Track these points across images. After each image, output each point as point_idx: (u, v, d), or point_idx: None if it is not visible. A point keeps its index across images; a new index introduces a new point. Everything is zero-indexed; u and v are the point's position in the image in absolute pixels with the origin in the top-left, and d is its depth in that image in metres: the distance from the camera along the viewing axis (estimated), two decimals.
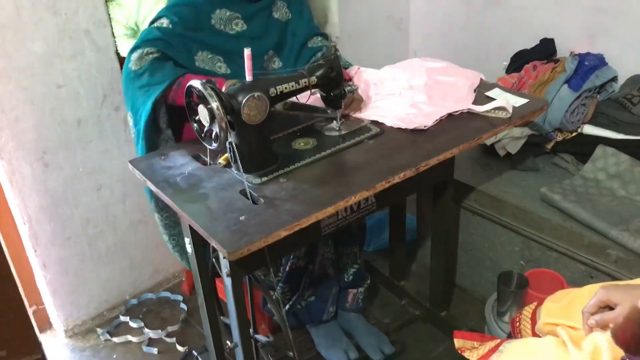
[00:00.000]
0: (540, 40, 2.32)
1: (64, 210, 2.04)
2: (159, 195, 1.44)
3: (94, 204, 2.12)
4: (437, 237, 1.98)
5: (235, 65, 1.70)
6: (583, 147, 2.06)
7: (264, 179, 1.43)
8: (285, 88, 1.44)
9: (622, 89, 2.12)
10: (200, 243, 1.54)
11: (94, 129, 2.02)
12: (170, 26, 1.65)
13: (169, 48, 1.63)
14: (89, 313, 2.25)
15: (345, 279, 2.00)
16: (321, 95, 1.58)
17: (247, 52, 1.37)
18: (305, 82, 1.47)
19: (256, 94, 1.36)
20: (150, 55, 1.60)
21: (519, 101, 1.71)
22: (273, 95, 1.42)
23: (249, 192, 1.36)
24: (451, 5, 2.66)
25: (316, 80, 1.49)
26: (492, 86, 1.82)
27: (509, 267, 2.02)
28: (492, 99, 1.71)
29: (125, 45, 2.17)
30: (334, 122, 1.63)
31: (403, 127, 1.59)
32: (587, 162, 2.01)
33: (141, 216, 2.26)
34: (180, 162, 1.53)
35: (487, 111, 1.64)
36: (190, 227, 1.46)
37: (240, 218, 1.29)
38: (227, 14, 1.72)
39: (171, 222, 1.80)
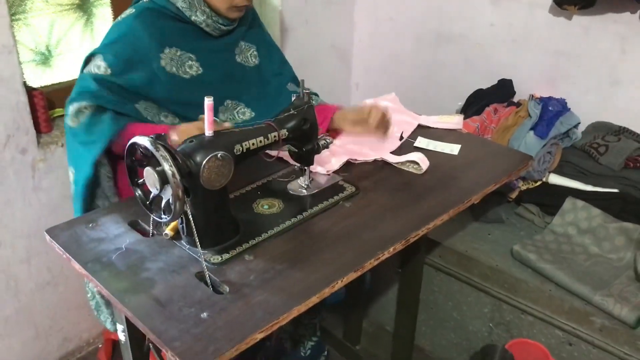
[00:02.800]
0: (499, 81, 2.20)
1: None
2: (88, 278, 1.12)
3: None
4: (404, 300, 1.79)
5: (191, 114, 1.40)
6: (549, 198, 1.95)
7: (226, 256, 1.15)
8: (253, 144, 1.18)
9: (584, 136, 2.03)
10: (136, 332, 1.23)
11: None
12: (109, 71, 1.36)
13: (108, 102, 1.35)
14: None
15: (302, 354, 1.75)
16: (290, 151, 1.32)
17: (207, 101, 1.09)
18: (275, 137, 1.22)
19: (219, 153, 1.09)
20: (87, 110, 1.33)
21: (454, 148, 1.58)
22: (238, 153, 1.15)
23: (209, 276, 1.08)
24: (398, 39, 2.50)
25: (287, 133, 1.24)
26: (426, 132, 1.67)
27: (476, 329, 1.86)
28: (417, 148, 1.57)
29: (34, 73, 1.82)
30: (301, 177, 1.38)
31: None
32: (555, 215, 1.88)
33: (49, 277, 1.89)
34: (114, 233, 1.22)
35: (400, 163, 1.50)
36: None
37: (202, 315, 1.01)
38: (179, 53, 1.43)
39: None
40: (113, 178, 1.44)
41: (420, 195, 1.38)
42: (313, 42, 2.48)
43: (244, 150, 1.16)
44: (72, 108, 1.36)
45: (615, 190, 1.86)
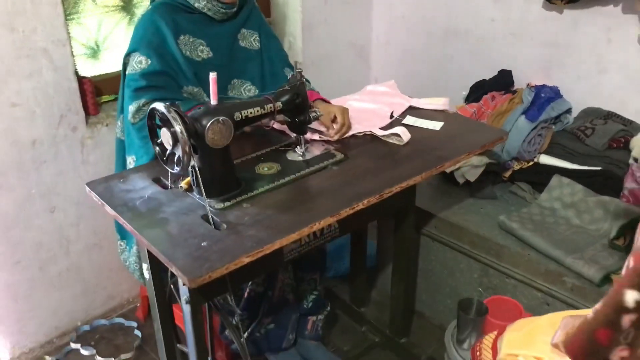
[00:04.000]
0: (499, 72, 2.38)
1: (14, 233, 1.96)
2: (117, 219, 1.40)
3: (47, 227, 2.04)
4: (398, 264, 1.99)
5: (204, 91, 1.69)
6: (539, 176, 2.11)
7: (227, 204, 1.40)
8: (250, 113, 1.43)
9: (575, 120, 2.20)
10: (158, 269, 1.50)
11: (49, 150, 1.96)
12: (150, 61, 1.63)
13: (160, 93, 1.62)
14: (38, 340, 2.15)
15: (305, 306, 1.98)
16: (286, 121, 1.57)
17: (212, 76, 1.36)
18: (270, 107, 1.47)
19: (221, 118, 1.34)
20: (146, 106, 1.60)
21: (437, 125, 1.81)
22: (238, 119, 1.41)
23: (211, 217, 1.34)
24: (412, 35, 2.71)
25: (281, 105, 1.49)
26: (417, 113, 1.89)
27: (468, 294, 2.03)
28: (404, 125, 1.79)
29: (84, 64, 2.13)
30: (298, 147, 1.63)
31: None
32: (543, 191, 2.05)
33: (96, 240, 2.19)
34: (140, 186, 1.49)
35: (385, 136, 1.72)
36: (149, 253, 1.42)
37: (202, 244, 1.26)
38: (191, 39, 1.71)
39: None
40: None
41: (399, 161, 1.60)
42: (332, 39, 2.72)
43: (243, 118, 1.42)
44: (131, 108, 1.63)
45: (599, 168, 2.02)
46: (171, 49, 1.66)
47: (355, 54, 2.87)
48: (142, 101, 1.62)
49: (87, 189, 1.50)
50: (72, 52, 1.93)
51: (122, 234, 1.78)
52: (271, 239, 1.28)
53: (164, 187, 1.49)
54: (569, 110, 2.21)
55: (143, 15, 1.72)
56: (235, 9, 1.77)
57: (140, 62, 1.64)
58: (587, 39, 2.14)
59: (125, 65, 1.69)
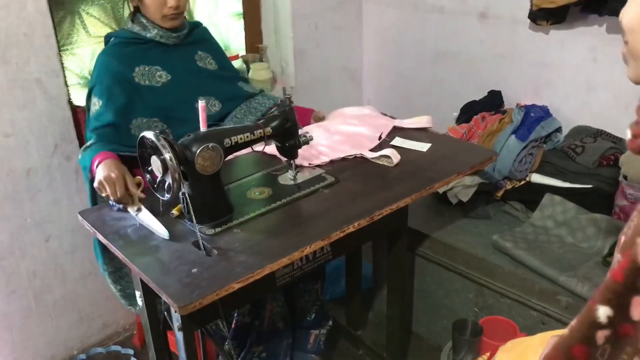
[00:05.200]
0: (489, 92, 2.41)
1: (9, 262, 1.97)
2: (109, 247, 1.40)
3: (42, 255, 2.05)
4: (392, 285, 1.99)
5: (174, 114, 1.76)
6: (531, 195, 2.12)
7: (218, 229, 1.41)
8: (240, 139, 1.45)
9: (566, 139, 2.21)
10: (151, 296, 1.51)
11: (44, 179, 1.97)
12: (101, 102, 1.70)
13: (104, 137, 1.67)
14: None
15: (308, 318, 1.97)
16: (276, 146, 1.59)
17: (201, 103, 1.38)
18: (260, 133, 1.49)
19: (210, 144, 1.36)
20: (91, 147, 1.65)
21: (425, 146, 1.82)
22: (227, 145, 1.42)
23: (202, 243, 1.35)
24: (402, 58, 2.75)
25: (271, 131, 1.51)
26: (405, 134, 1.92)
27: (464, 314, 2.03)
28: (393, 146, 1.82)
29: (78, 94, 2.16)
30: (289, 171, 1.64)
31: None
32: (535, 210, 2.06)
33: (91, 268, 2.19)
34: (132, 214, 1.50)
35: (375, 158, 1.75)
36: (141, 280, 1.43)
37: (193, 270, 1.27)
38: (147, 68, 1.77)
39: (119, 274, 1.80)
40: None
41: (390, 183, 1.61)
42: (324, 64, 2.75)
43: (233, 144, 1.43)
44: (85, 145, 1.70)
45: (590, 186, 2.03)
46: (128, 83, 1.73)
47: (347, 78, 2.90)
48: (90, 142, 1.68)
49: (80, 217, 1.51)
50: (65, 82, 1.96)
51: (96, 254, 1.81)
52: (261, 263, 1.28)
53: (157, 214, 1.50)
54: (559, 129, 2.23)
55: (97, 58, 1.78)
56: (185, 31, 1.83)
57: (94, 104, 1.73)
58: (574, 59, 2.17)
59: (89, 96, 1.76)
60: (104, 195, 1.50)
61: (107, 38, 1.81)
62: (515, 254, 1.89)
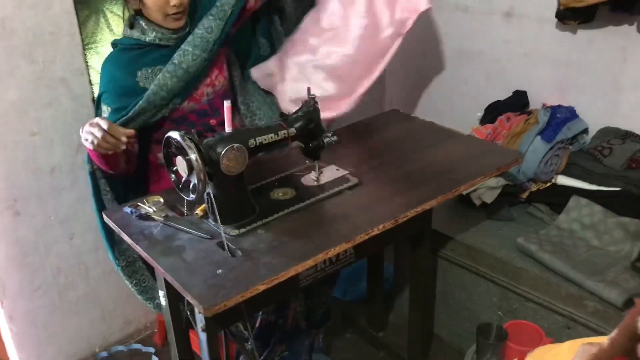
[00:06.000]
0: (513, 92, 2.37)
1: (34, 259, 1.98)
2: (134, 247, 1.41)
3: (66, 253, 2.06)
4: (415, 288, 1.97)
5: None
6: (557, 197, 2.09)
7: (242, 230, 1.41)
8: (265, 139, 1.44)
9: (592, 140, 2.17)
10: (174, 295, 1.51)
11: (68, 177, 1.99)
12: (110, 109, 1.71)
13: None
14: None
15: (312, 319, 1.96)
16: (300, 147, 1.58)
17: (226, 104, 1.37)
18: (284, 134, 1.48)
19: (235, 145, 1.35)
20: None
21: None
22: (252, 146, 1.42)
23: (227, 244, 1.34)
24: (426, 57, 2.72)
25: (295, 131, 1.50)
26: None
27: (487, 318, 2.00)
28: None
29: None
30: (312, 172, 1.63)
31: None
32: (561, 213, 2.03)
33: (113, 265, 2.20)
34: None
35: None
36: (165, 280, 1.43)
37: (217, 272, 1.26)
38: (150, 70, 1.73)
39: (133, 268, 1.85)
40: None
41: (414, 185, 1.60)
42: None
43: (257, 144, 1.43)
44: None
45: (618, 189, 1.99)
46: (132, 92, 1.71)
47: None
48: None
49: (105, 217, 1.51)
50: (90, 80, 1.97)
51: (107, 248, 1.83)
52: (286, 266, 1.28)
53: (181, 214, 1.50)
54: (585, 130, 2.19)
55: (102, 64, 1.78)
56: (187, 30, 1.77)
57: (104, 112, 1.73)
58: (602, 59, 2.12)
59: (99, 102, 1.77)
60: (89, 142, 1.52)
61: (114, 44, 1.81)
62: (540, 257, 1.86)
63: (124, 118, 1.67)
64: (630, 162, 2.02)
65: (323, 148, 1.57)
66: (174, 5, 1.65)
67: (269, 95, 2.04)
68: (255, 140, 1.42)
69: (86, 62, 1.95)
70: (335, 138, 1.58)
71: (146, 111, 1.70)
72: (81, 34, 1.92)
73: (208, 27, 1.74)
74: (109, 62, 1.77)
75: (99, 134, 1.50)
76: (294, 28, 2.06)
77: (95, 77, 2.13)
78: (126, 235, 1.42)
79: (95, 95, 2.00)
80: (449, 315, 2.19)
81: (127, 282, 1.86)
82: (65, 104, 1.91)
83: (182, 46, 1.73)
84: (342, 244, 1.36)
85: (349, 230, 1.40)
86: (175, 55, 1.72)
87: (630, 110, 2.11)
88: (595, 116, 2.19)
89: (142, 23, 1.72)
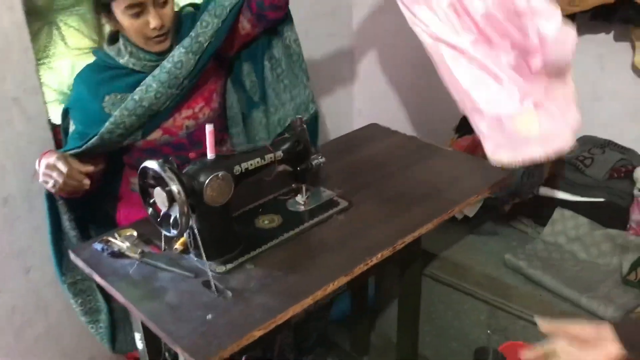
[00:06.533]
0: None
1: None
2: (109, 290, 1.26)
3: (21, 289, 1.88)
4: (404, 310, 1.89)
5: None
6: (540, 210, 2.05)
7: (229, 266, 1.29)
8: (251, 165, 1.32)
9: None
10: (152, 338, 1.37)
11: (23, 206, 1.81)
12: (75, 129, 1.60)
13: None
14: None
15: (308, 344, 1.86)
16: (287, 170, 1.47)
17: (208, 128, 1.25)
18: (271, 158, 1.36)
19: (220, 173, 1.23)
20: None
21: None
22: (238, 173, 1.30)
23: (214, 283, 1.22)
24: (396, 67, 2.65)
25: (282, 154, 1.39)
26: None
27: (475, 337, 1.95)
28: None
29: (57, 112, 1.99)
30: (299, 195, 1.52)
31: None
32: (546, 225, 1.99)
33: None
34: None
35: None
36: (143, 323, 1.29)
37: (207, 317, 1.14)
38: (119, 96, 1.56)
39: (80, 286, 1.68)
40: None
41: (407, 207, 1.51)
42: (315, 72, 2.63)
43: (243, 171, 1.31)
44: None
45: (602, 200, 1.96)
46: (98, 118, 1.55)
47: (340, 86, 2.79)
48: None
49: (72, 255, 1.36)
50: (44, 99, 1.80)
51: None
52: (283, 306, 1.17)
53: (157, 249, 1.36)
54: None
55: (75, 77, 1.64)
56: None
57: (72, 125, 1.63)
58: (580, 67, 2.08)
59: (65, 118, 1.66)
60: (49, 186, 1.43)
61: (94, 53, 1.65)
62: (529, 273, 1.81)
63: (79, 150, 1.51)
64: (612, 172, 1.99)
65: (311, 170, 1.46)
66: (154, 28, 1.48)
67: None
68: (240, 167, 1.30)
69: (39, 80, 1.78)
70: (323, 159, 1.48)
71: (101, 147, 1.55)
72: (33, 49, 1.74)
73: (178, 62, 1.52)
74: (80, 77, 1.62)
75: (59, 179, 1.39)
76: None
77: (49, 95, 1.96)
78: (99, 277, 1.28)
79: (50, 115, 1.84)
80: (434, 334, 2.12)
81: (71, 300, 1.69)
82: (18, 127, 1.73)
83: (146, 80, 1.53)
84: (341, 277, 1.25)
85: (346, 260, 1.30)
86: (137, 89, 1.53)
87: (609, 119, 2.09)
88: None
89: (120, 42, 1.56)
